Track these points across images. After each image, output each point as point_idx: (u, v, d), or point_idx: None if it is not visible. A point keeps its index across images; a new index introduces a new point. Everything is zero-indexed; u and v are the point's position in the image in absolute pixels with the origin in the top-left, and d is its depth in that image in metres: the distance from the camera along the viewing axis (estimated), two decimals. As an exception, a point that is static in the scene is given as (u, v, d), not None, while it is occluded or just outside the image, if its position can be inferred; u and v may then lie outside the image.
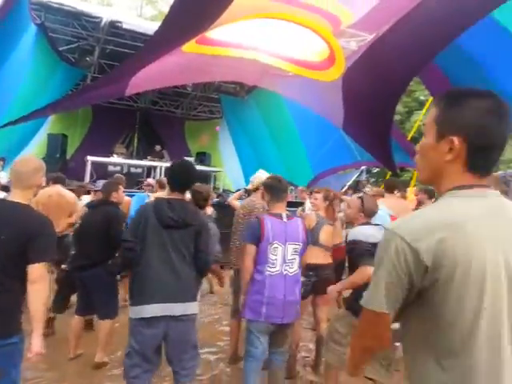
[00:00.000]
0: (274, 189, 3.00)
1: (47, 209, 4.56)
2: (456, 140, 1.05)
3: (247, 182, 9.47)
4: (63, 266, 4.13)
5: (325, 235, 3.74)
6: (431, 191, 4.75)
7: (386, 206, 3.95)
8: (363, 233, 2.74)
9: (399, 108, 16.33)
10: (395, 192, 4.69)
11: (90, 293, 3.61)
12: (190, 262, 2.52)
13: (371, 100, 4.07)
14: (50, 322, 4.07)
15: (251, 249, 2.81)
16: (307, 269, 3.66)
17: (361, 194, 3.35)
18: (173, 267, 2.44)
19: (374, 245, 2.53)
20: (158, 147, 11.35)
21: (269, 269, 2.79)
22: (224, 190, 11.13)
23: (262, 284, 2.78)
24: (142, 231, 2.44)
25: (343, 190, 9.84)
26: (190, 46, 4.25)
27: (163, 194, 5.31)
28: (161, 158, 11.05)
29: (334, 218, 3.95)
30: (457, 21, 3.07)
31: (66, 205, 4.61)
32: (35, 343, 1.95)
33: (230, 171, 12.30)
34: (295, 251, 2.88)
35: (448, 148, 1.06)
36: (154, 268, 2.42)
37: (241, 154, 12.02)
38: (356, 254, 2.71)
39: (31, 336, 1.96)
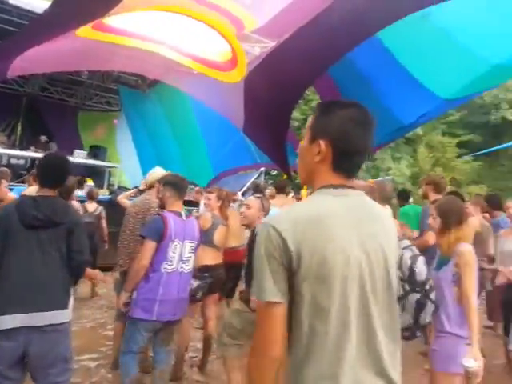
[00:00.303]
0: (176, 186, 2.99)
1: None
2: (322, 143, 1.19)
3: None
4: None
5: (219, 236, 3.80)
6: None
7: (276, 205, 4.13)
8: None
9: (297, 115, 17.23)
10: (286, 192, 5.03)
11: None
12: (60, 265, 2.27)
13: (269, 105, 4.20)
14: None
15: (152, 245, 2.73)
16: (202, 270, 3.66)
17: (259, 195, 3.43)
18: (38, 272, 2.18)
19: None
20: (43, 138, 10.39)
21: (166, 266, 2.75)
22: (119, 187, 10.61)
23: (156, 282, 2.71)
24: (3, 233, 2.15)
25: (242, 190, 10.05)
26: (84, 31, 3.93)
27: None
28: (46, 149, 10.13)
29: (226, 218, 4.01)
30: (350, 36, 3.32)
31: None
32: None
33: (128, 168, 11.73)
34: (192, 249, 2.94)
35: (317, 150, 1.20)
36: (14, 274, 2.15)
37: (140, 150, 11.53)
38: None
39: None
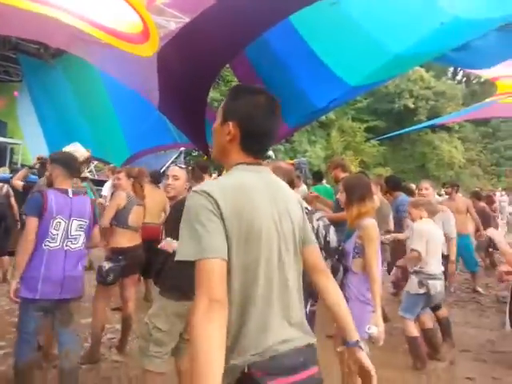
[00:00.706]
0: (66, 165, 2.94)
1: None
2: (231, 124, 1.33)
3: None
4: None
5: (135, 216, 3.70)
6: None
7: None
8: None
9: (216, 95, 17.07)
10: (209, 173, 4.99)
11: None
12: None
13: (184, 82, 4.08)
14: None
15: (33, 221, 2.65)
16: (115, 253, 3.54)
17: (182, 166, 3.38)
18: None
19: None
20: None
21: (48, 243, 2.67)
22: (22, 165, 9.70)
23: (38, 259, 2.65)
24: None
25: (162, 169, 9.78)
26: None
27: None
28: None
29: (142, 197, 3.89)
30: (262, 17, 3.31)
31: None
32: None
33: (32, 144, 10.76)
34: (80, 227, 2.87)
35: (228, 131, 1.34)
36: None
37: (45, 126, 10.58)
38: None
39: None
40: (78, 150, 3.71)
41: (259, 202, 1.27)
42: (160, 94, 4.84)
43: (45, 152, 10.36)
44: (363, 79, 4.31)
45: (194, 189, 1.27)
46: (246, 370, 1.18)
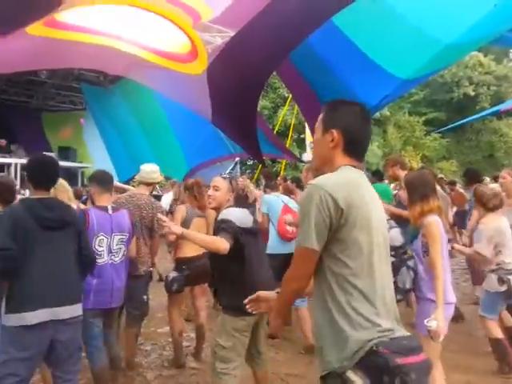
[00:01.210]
0: (100, 181, 3.14)
1: None
2: (335, 131, 1.48)
3: (121, 176, 9.00)
4: None
5: (195, 228, 3.75)
6: (299, 180, 5.21)
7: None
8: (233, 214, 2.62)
9: (266, 104, 17.22)
10: None
11: None
12: (74, 263, 2.42)
13: (234, 94, 4.19)
14: None
15: None
16: (179, 263, 3.66)
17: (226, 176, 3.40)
18: (57, 270, 2.33)
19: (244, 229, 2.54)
20: (2, 141, 10.05)
21: (96, 260, 2.81)
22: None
23: (91, 275, 2.82)
24: (21, 236, 2.23)
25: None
26: (36, 29, 3.81)
27: None
28: (7, 152, 9.81)
29: (203, 208, 3.96)
30: (306, 21, 3.33)
31: None
32: None
33: (100, 166, 11.47)
34: (121, 241, 3.04)
35: (331, 138, 1.48)
36: (37, 273, 2.27)
37: (110, 148, 11.31)
38: (221, 228, 2.53)
39: None
40: (155, 170, 3.87)
41: (365, 196, 1.42)
42: (212, 108, 5.01)
43: (111, 172, 11.04)
44: (415, 72, 4.17)
45: (309, 182, 1.43)
46: (374, 348, 1.29)
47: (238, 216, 2.57)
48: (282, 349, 4.01)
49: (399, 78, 4.22)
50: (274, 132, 10.99)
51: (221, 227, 2.49)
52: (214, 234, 2.57)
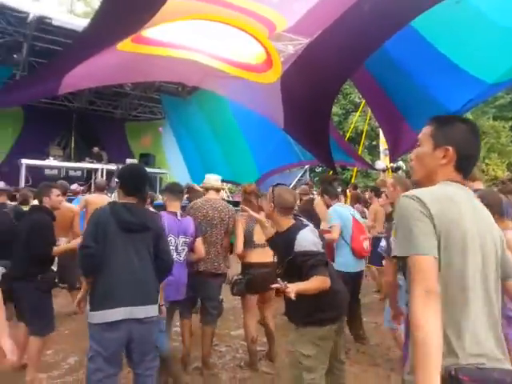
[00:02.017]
0: (170, 191, 3.45)
1: None
2: (450, 149, 1.44)
3: (195, 181, 9.40)
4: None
5: (259, 235, 3.72)
6: (378, 189, 5.03)
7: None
8: (310, 241, 2.47)
9: (337, 110, 16.95)
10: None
11: (22, 306, 3.31)
12: (151, 265, 2.54)
13: (308, 101, 4.21)
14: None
15: None
16: (244, 267, 3.71)
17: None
18: (135, 271, 2.44)
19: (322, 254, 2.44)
20: (95, 149, 10.92)
21: None
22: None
23: None
24: (102, 236, 2.39)
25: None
26: (125, 45, 4.14)
27: (99, 196, 5.02)
28: (100, 159, 10.64)
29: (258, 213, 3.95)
30: (382, 27, 3.26)
31: None
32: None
33: (176, 172, 12.11)
34: (185, 243, 3.35)
35: (443, 155, 1.45)
36: (116, 272, 2.40)
37: (185, 155, 11.87)
38: (310, 265, 2.39)
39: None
40: (218, 178, 4.03)
41: (465, 213, 1.35)
42: (285, 115, 5.07)
43: (187, 178, 11.59)
44: (502, 75, 3.88)
45: (404, 194, 1.38)
46: (452, 373, 1.23)
47: (313, 240, 2.46)
48: (356, 361, 3.89)
49: (484, 81, 3.96)
50: (345, 139, 10.80)
51: (311, 264, 2.34)
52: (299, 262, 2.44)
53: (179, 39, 4.80)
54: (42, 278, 3.25)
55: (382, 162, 7.80)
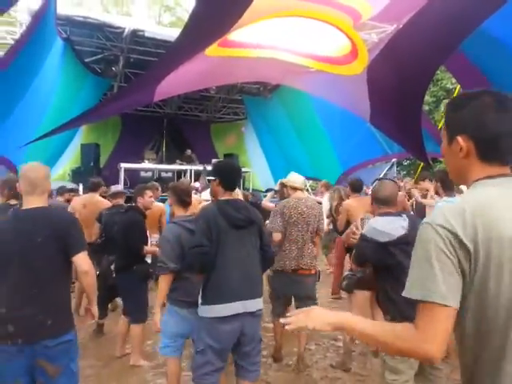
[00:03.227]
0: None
1: (84, 217, 4.75)
2: (460, 139, 1.16)
3: (276, 180, 9.50)
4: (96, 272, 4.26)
5: None
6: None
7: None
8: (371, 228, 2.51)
9: (426, 98, 15.88)
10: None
11: (123, 296, 3.82)
12: (257, 259, 2.61)
13: (398, 91, 4.00)
14: (99, 327, 4.27)
15: None
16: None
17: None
18: (245, 265, 2.52)
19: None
20: (188, 151, 11.57)
21: None
22: (254, 190, 11.15)
23: None
24: (215, 234, 2.46)
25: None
26: (213, 50, 4.30)
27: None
28: (190, 161, 11.21)
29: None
30: (480, 6, 2.98)
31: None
32: (94, 310, 2.27)
33: (258, 171, 12.34)
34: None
35: (459, 148, 1.17)
36: (228, 268, 2.46)
37: (267, 154, 12.04)
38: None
39: (91, 306, 2.28)
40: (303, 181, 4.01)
41: (506, 227, 1.03)
42: (372, 107, 4.88)
43: (269, 176, 11.76)
44: None
45: (426, 220, 1.11)
46: None
47: (380, 229, 2.44)
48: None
49: None
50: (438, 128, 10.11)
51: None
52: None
53: (261, 39, 4.86)
54: (138, 269, 3.62)
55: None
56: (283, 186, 4.01)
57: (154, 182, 5.83)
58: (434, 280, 1.02)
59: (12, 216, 2.14)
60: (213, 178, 2.69)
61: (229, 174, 2.68)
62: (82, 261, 2.12)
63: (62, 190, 5.90)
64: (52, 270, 2.07)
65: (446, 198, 3.83)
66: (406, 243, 2.41)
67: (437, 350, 1.02)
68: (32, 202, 2.13)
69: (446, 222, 1.04)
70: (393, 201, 2.61)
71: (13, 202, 3.23)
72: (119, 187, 4.98)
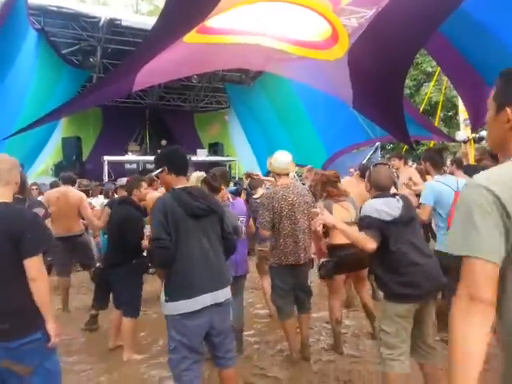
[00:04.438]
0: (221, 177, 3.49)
1: (57, 210, 4.72)
2: (509, 110, 1.17)
3: (262, 168, 9.46)
4: (97, 264, 4.23)
5: (337, 214, 3.62)
6: (461, 161, 4.59)
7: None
8: (372, 208, 2.54)
9: (407, 82, 15.95)
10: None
11: (114, 290, 3.77)
12: (220, 248, 2.52)
13: (379, 75, 3.99)
14: (93, 319, 4.26)
15: None
16: (329, 250, 3.65)
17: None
18: (208, 255, 2.41)
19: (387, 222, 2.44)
20: (163, 142, 11.41)
21: None
22: (240, 179, 11.12)
23: None
24: (172, 226, 2.33)
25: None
26: (191, 37, 4.21)
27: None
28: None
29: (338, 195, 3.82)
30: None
31: (73, 205, 4.83)
32: (51, 331, 2.02)
33: (244, 159, 12.29)
34: (241, 222, 3.56)
35: (506, 119, 1.18)
36: (191, 260, 2.36)
37: (252, 141, 11.99)
38: (366, 225, 2.50)
39: (45, 320, 2.02)
40: (289, 161, 3.88)
41: None
42: (354, 91, 4.87)
43: (255, 164, 11.73)
44: None
45: (468, 181, 1.16)
46: None
47: (375, 208, 2.50)
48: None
49: None
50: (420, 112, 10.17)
51: (364, 223, 2.49)
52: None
53: (241, 25, 4.79)
54: (136, 263, 3.58)
55: (463, 132, 7.22)
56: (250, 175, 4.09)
57: (151, 174, 5.70)
58: (478, 237, 1.05)
59: None
60: (159, 169, 2.56)
61: (176, 158, 2.55)
62: (31, 267, 1.95)
63: (55, 184, 5.91)
64: (7, 271, 1.95)
65: (438, 176, 3.77)
66: (401, 223, 2.48)
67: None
68: None
69: (491, 185, 1.07)
70: (391, 185, 2.70)
71: None
72: (124, 180, 4.95)
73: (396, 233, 2.44)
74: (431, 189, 3.66)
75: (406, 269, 2.42)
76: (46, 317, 2.01)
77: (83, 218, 5.12)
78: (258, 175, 5.69)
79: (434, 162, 3.88)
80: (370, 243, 2.41)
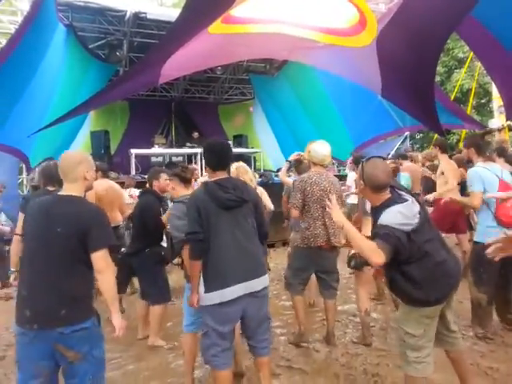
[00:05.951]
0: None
1: (102, 202, 4.81)
2: None
3: (286, 158, 9.38)
4: (122, 250, 4.32)
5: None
6: (503, 149, 4.39)
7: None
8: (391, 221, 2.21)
9: (438, 68, 15.45)
10: None
11: (139, 279, 3.89)
12: (255, 237, 2.57)
13: (409, 60, 3.85)
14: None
15: None
16: None
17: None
18: (242, 245, 2.47)
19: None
20: (195, 134, 11.47)
21: None
22: (265, 171, 11.07)
23: None
24: (205, 219, 2.42)
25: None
26: (216, 27, 4.16)
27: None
28: (200, 143, 11.17)
29: None
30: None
31: (117, 197, 4.93)
32: (115, 323, 2.16)
33: (268, 151, 12.23)
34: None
35: None
36: (226, 251, 2.43)
37: (277, 132, 11.90)
38: (381, 235, 2.18)
39: (112, 315, 2.16)
40: (328, 154, 3.84)
41: None
42: (383, 79, 4.71)
43: (279, 156, 11.65)
44: None
45: None
46: None
47: (395, 221, 2.18)
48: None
49: None
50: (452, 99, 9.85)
51: (380, 233, 2.18)
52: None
53: (266, 13, 4.70)
54: (150, 252, 3.66)
55: (497, 120, 6.93)
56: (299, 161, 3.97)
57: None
58: None
59: (45, 200, 2.16)
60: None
61: (208, 155, 2.62)
62: (99, 260, 2.06)
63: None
64: (71, 261, 2.05)
65: (480, 163, 3.64)
66: (422, 226, 2.23)
67: None
68: (65, 189, 2.17)
69: None
70: (389, 182, 2.38)
71: (51, 188, 3.23)
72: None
73: (419, 239, 2.24)
74: (478, 175, 3.52)
75: (434, 274, 2.24)
76: (111, 308, 2.15)
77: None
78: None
79: (479, 147, 3.76)
80: (377, 257, 2.11)
